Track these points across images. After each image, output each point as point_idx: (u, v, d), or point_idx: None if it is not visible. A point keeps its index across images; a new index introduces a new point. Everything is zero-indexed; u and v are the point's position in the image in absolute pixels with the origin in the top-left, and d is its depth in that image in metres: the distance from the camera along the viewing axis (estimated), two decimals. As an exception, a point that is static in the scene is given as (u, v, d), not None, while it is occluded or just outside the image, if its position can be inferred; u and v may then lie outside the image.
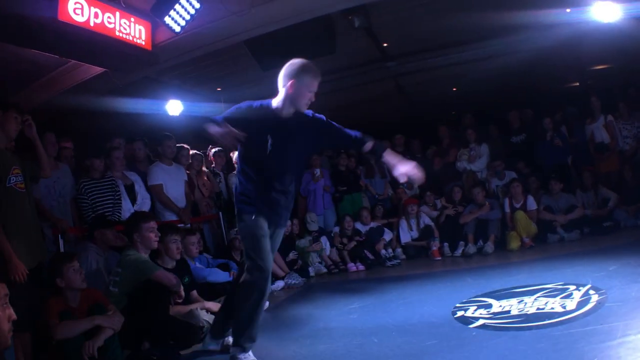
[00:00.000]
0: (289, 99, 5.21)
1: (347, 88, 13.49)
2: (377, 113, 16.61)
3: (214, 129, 4.97)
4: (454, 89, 15.88)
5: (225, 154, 11.22)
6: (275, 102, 5.33)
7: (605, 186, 11.29)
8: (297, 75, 5.17)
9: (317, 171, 11.90)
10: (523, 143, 12.55)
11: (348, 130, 5.54)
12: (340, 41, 9.90)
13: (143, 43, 8.74)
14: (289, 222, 10.79)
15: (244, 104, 5.31)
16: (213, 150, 11.08)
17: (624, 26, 10.14)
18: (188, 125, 11.20)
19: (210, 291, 7.46)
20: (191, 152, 10.24)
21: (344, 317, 6.84)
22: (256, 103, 5.33)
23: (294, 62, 5.25)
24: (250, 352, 5.20)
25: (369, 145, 5.52)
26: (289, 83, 5.16)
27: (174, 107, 11.07)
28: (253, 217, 5.26)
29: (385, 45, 11.67)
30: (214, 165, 11.05)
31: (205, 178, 10.48)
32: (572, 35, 11.05)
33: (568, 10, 10.16)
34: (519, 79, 13.07)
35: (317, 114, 5.47)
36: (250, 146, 5.33)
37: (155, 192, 9.15)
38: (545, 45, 11.57)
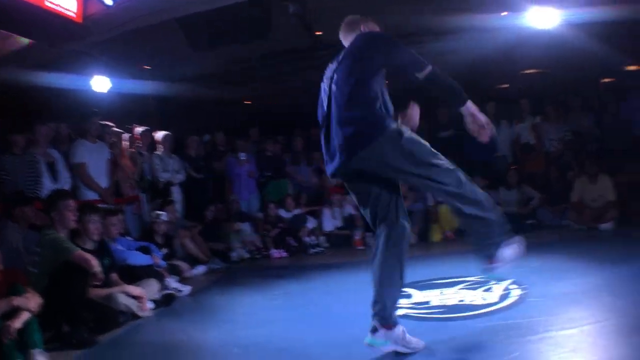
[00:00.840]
0: None
1: (278, 75, 13.44)
2: (307, 100, 16.56)
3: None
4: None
5: (150, 133, 11.04)
6: None
7: (529, 185, 11.52)
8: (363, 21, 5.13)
9: (243, 155, 11.79)
10: (451, 138, 12.68)
11: None
12: (274, 27, 9.82)
13: (74, 15, 8.48)
14: (212, 207, 10.78)
15: None
16: (139, 129, 10.89)
17: (558, 33, 10.38)
18: (116, 101, 11.03)
19: (130, 274, 7.30)
20: (115, 130, 10.05)
21: (266, 303, 6.85)
22: None
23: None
24: None
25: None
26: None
27: (101, 84, 10.81)
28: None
29: (318, 34, 11.64)
30: (139, 144, 10.86)
31: (129, 158, 10.30)
32: (507, 39, 11.25)
33: (504, 13, 10.32)
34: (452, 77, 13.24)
35: None
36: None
37: (78, 171, 8.95)
38: (481, 48, 11.73)
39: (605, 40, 10.83)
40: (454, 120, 12.84)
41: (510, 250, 4.62)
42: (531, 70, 14.96)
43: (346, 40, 5.13)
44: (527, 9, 10.00)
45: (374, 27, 5.06)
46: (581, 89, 13.03)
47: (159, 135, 10.96)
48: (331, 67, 4.89)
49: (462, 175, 4.68)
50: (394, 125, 4.46)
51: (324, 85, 4.85)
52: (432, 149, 4.60)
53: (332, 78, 4.73)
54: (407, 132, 4.52)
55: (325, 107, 4.74)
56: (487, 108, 12.39)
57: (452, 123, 12.75)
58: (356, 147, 4.35)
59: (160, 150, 10.83)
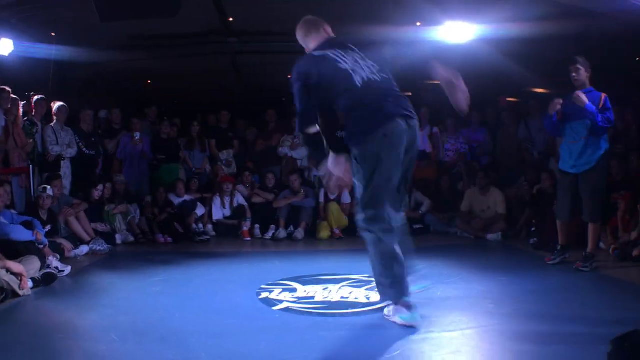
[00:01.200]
0: None
1: (184, 56, 13.22)
2: (208, 86, 16.39)
3: None
4: (289, 76, 15.93)
5: (47, 103, 10.61)
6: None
7: (421, 192, 11.65)
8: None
9: (137, 135, 11.51)
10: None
11: None
12: (185, 6, 9.61)
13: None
14: (100, 186, 10.45)
15: None
16: (36, 97, 10.43)
17: (468, 47, 10.56)
18: (16, 66, 10.58)
19: (11, 250, 6.98)
20: (12, 96, 9.59)
21: (147, 289, 6.65)
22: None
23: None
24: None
25: None
26: None
27: (4, 47, 10.34)
28: None
29: (230, 19, 11.48)
30: (33, 113, 10.38)
31: (20, 127, 9.83)
32: (419, 51, 11.37)
33: (418, 24, 10.42)
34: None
35: None
36: None
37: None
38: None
39: (513, 59, 11.09)
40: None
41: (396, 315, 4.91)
42: (436, 82, 15.22)
43: (308, 38, 5.57)
44: (442, 23, 10.14)
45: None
46: (482, 105, 13.30)
47: (55, 106, 10.56)
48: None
49: None
50: None
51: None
52: None
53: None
54: None
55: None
56: (422, 112, 12.61)
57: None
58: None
59: (54, 122, 10.43)
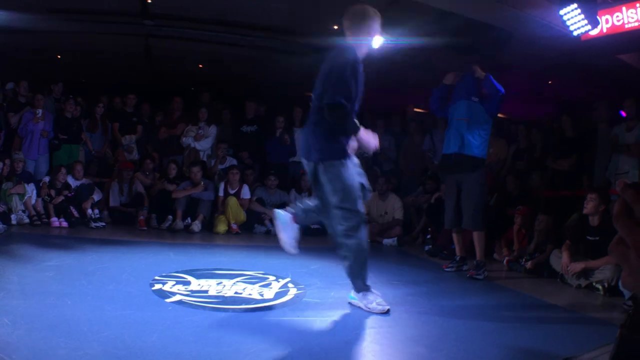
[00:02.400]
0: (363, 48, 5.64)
1: (95, 33, 12.96)
2: (118, 67, 16.12)
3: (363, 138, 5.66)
4: (200, 66, 15.82)
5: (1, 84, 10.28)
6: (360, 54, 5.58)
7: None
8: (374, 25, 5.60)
9: (39, 112, 11.23)
10: (253, 134, 12.78)
11: None
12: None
13: None
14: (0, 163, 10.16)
15: (353, 64, 5.45)
16: None
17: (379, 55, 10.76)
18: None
19: None
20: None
21: (39, 273, 6.49)
22: (353, 57, 5.50)
23: (366, 10, 5.58)
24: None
25: None
26: (368, 34, 5.60)
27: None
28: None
29: (149, 1, 11.34)
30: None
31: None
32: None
33: (335, 27, 10.53)
34: (266, 73, 13.31)
35: None
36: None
37: None
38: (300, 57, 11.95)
39: (421, 69, 11.34)
40: (258, 116, 12.98)
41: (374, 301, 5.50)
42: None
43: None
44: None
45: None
46: (388, 112, 13.56)
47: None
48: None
49: None
50: None
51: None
52: None
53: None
54: None
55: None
56: (295, 114, 12.71)
57: (256, 120, 12.88)
58: None
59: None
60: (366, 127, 11.65)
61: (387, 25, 9.97)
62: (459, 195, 7.88)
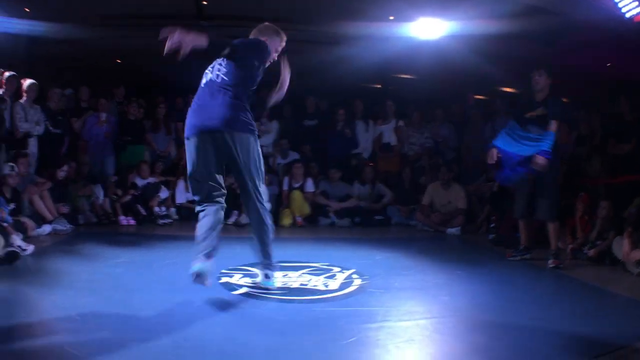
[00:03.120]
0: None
1: (151, 36, 13.13)
2: (176, 69, 16.26)
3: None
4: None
5: (17, 80, 10.51)
6: None
7: (383, 184, 11.76)
8: (270, 34, 6.05)
9: (103, 115, 11.47)
10: (314, 128, 12.83)
11: None
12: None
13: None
14: (65, 167, 10.41)
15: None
16: (6, 74, 10.32)
17: (439, 43, 10.64)
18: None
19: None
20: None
21: (109, 270, 6.66)
22: None
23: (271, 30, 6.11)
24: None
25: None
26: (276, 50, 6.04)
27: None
28: None
29: (204, 2, 11.44)
30: (3, 90, 10.27)
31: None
32: (392, 46, 11.49)
33: (391, 17, 10.48)
34: (326, 69, 13.28)
35: None
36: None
37: None
38: (361, 50, 11.89)
39: (482, 56, 11.19)
40: (319, 110, 12.99)
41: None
42: (405, 75, 15.27)
43: None
44: (414, 19, 10.21)
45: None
46: (449, 100, 13.42)
47: (26, 83, 10.46)
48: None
49: None
50: None
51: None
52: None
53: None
54: None
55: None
56: (355, 106, 12.69)
57: (317, 114, 12.89)
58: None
59: (23, 99, 10.35)
60: (425, 115, 11.50)
61: (444, 10, 9.96)
62: (533, 186, 7.72)
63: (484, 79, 12.78)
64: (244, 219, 10.78)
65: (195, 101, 5.70)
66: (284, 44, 6.11)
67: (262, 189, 5.70)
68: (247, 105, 5.75)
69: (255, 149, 5.69)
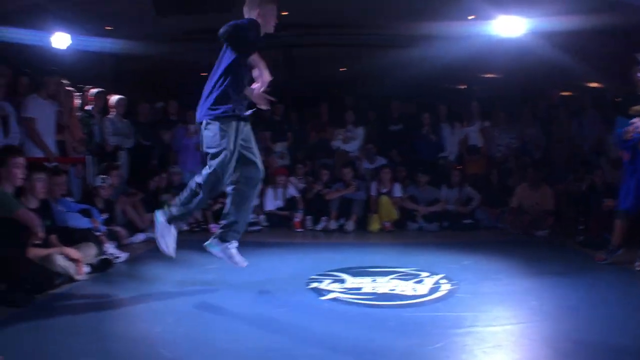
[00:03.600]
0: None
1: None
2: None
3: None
4: (342, 69, 15.96)
5: (104, 95, 10.90)
6: None
7: (471, 186, 11.68)
8: (260, 4, 5.96)
9: (192, 127, 11.73)
10: (400, 133, 12.83)
11: None
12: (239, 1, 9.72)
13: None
14: (156, 177, 10.71)
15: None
16: (93, 90, 10.72)
17: (521, 40, 10.52)
18: (73, 60, 10.83)
19: (69, 236, 7.19)
20: (69, 89, 9.89)
21: (200, 275, 6.87)
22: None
23: None
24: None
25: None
26: (256, 13, 5.95)
27: (61, 40, 10.65)
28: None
29: (284, 13, 11.57)
30: (92, 106, 10.68)
31: (79, 119, 10.15)
32: (473, 45, 11.42)
33: (472, 17, 10.43)
34: (409, 71, 13.26)
35: None
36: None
37: (27, 126, 8.81)
38: (448, 54, 11.86)
39: (566, 52, 11.01)
40: (405, 115, 12.99)
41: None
42: (489, 75, 15.14)
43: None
44: (495, 17, 10.14)
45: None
46: (534, 99, 13.22)
47: (114, 98, 10.84)
48: None
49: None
50: None
51: None
52: None
53: None
54: None
55: None
56: (439, 110, 12.65)
57: (402, 118, 12.90)
58: None
59: (112, 114, 10.74)
60: (511, 115, 11.33)
61: (527, 5, 9.84)
62: None
63: (568, 75, 12.56)
64: (333, 225, 10.90)
65: None
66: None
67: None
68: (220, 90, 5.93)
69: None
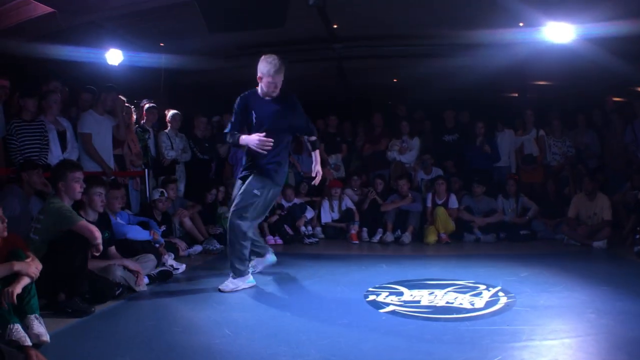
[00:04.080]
0: (261, 87, 6.86)
1: (291, 62, 13.46)
2: (314, 91, 16.61)
3: (243, 141, 6.88)
4: (395, 80, 15.97)
5: (158, 110, 11.11)
6: (259, 89, 6.91)
7: (527, 196, 11.61)
8: (262, 70, 6.73)
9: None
10: (455, 143, 12.81)
11: (305, 118, 7.30)
12: (290, 15, 9.82)
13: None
14: (214, 190, 10.87)
15: (237, 100, 7.07)
16: (147, 105, 10.94)
17: (573, 47, 10.43)
18: (126, 75, 11.05)
19: (128, 248, 7.40)
20: (125, 104, 10.12)
21: (258, 288, 6.92)
22: (246, 93, 7.08)
23: (262, 58, 6.80)
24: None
25: (313, 137, 7.42)
26: (258, 77, 6.78)
27: (114, 57, 10.90)
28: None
29: (335, 26, 11.67)
30: (144, 120, 10.91)
31: (134, 133, 10.38)
32: (523, 52, 11.36)
33: (521, 24, 10.39)
34: (460, 80, 13.23)
35: (290, 95, 7.08)
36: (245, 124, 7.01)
37: (84, 141, 9.06)
38: (497, 60, 11.81)
39: (620, 57, 10.89)
40: (459, 125, 12.95)
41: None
42: (541, 82, 15.02)
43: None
44: (544, 24, 10.08)
45: None
46: (588, 106, 13.07)
47: (169, 114, 11.06)
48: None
49: None
50: None
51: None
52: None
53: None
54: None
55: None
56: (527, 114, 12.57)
57: (457, 128, 12.86)
58: None
59: (168, 129, 10.94)
60: (566, 123, 11.24)
61: (577, 11, 9.75)
62: None
63: (622, 81, 12.40)
64: (389, 237, 10.91)
65: None
66: (271, 66, 6.73)
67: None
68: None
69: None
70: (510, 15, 9.95)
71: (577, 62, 11.45)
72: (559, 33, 10.33)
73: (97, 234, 5.84)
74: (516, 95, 16.72)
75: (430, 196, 11.49)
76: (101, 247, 5.94)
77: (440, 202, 11.30)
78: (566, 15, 9.85)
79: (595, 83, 13.23)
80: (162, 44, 11.86)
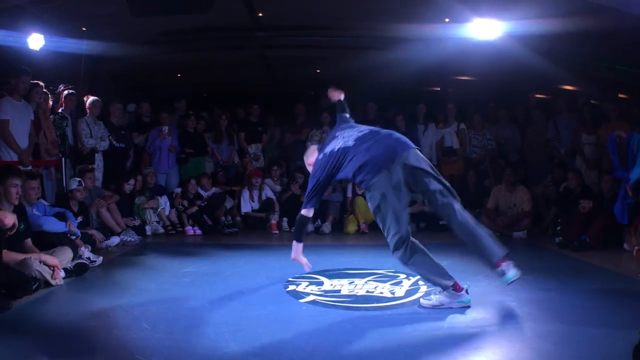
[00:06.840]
0: None
1: (210, 49, 13.29)
2: (237, 79, 16.47)
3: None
4: (318, 71, 15.92)
5: (77, 97, 10.77)
6: None
7: (447, 188, 11.66)
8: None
9: (165, 129, 11.64)
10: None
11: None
12: (216, 3, 9.65)
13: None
14: (132, 180, 10.61)
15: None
16: (66, 91, 10.59)
17: (498, 43, 10.54)
18: (46, 61, 10.70)
19: (44, 240, 7.15)
20: (43, 90, 9.74)
21: (177, 279, 6.82)
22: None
23: None
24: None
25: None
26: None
27: (35, 41, 10.52)
28: None
29: (260, 14, 11.53)
30: (62, 107, 10.55)
31: (50, 120, 10.01)
32: (448, 48, 11.44)
33: (447, 20, 10.44)
34: (385, 73, 13.25)
35: None
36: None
37: (0, 128, 8.73)
38: (422, 56, 11.85)
39: (542, 55, 11.05)
40: (380, 117, 12.99)
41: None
42: (464, 77, 15.17)
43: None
44: (470, 20, 10.15)
45: None
46: (510, 101, 13.30)
47: (89, 100, 10.72)
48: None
49: None
50: None
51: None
52: None
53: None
54: None
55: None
56: (418, 109, 12.68)
57: (379, 119, 12.90)
58: None
59: (87, 116, 10.62)
60: (487, 117, 11.35)
61: (503, 8, 9.87)
62: None
63: (545, 78, 12.61)
64: (309, 227, 10.85)
65: None
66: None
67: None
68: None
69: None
70: (437, 10, 9.98)
71: (501, 58, 11.56)
72: (485, 29, 10.41)
73: (9, 220, 5.60)
74: (438, 89, 16.87)
75: (350, 186, 11.45)
76: (11, 232, 5.70)
77: (360, 192, 11.28)
78: (492, 11, 9.93)
79: (519, 80, 13.42)
80: (84, 29, 11.50)
